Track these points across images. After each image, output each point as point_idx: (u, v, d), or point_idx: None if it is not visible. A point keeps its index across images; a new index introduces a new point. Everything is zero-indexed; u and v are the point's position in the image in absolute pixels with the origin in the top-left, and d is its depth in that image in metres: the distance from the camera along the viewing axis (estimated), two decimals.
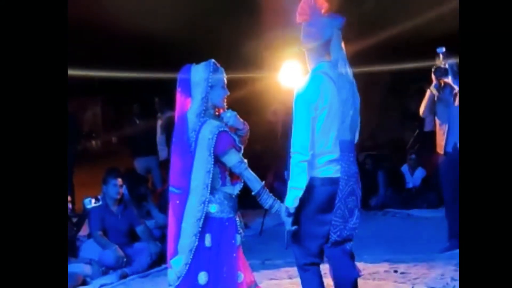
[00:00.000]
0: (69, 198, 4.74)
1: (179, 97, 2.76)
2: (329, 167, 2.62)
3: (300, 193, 2.58)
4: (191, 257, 2.67)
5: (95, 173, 6.00)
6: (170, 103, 7.43)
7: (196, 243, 2.66)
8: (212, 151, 2.64)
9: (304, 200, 2.62)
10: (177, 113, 2.77)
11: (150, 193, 5.59)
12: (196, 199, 2.66)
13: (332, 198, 2.62)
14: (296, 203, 2.59)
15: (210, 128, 2.65)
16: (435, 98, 4.70)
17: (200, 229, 2.66)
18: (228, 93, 2.76)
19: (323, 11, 2.68)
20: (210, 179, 2.66)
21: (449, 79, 4.52)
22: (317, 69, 2.69)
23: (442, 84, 4.63)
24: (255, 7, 7.01)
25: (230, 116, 2.75)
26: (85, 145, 14.55)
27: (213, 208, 2.70)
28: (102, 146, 18.41)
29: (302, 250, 2.73)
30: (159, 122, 7.35)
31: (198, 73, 2.70)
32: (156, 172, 7.22)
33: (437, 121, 4.81)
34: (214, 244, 2.68)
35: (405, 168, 7.30)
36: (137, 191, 5.28)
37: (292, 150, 2.60)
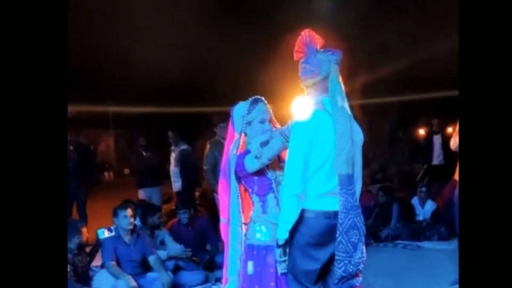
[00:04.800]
0: (84, 229, 4.82)
1: (228, 132, 2.90)
2: (324, 200, 2.55)
3: (290, 227, 2.53)
4: (240, 280, 2.77)
5: (108, 203, 6.09)
6: (183, 136, 7.60)
7: (242, 266, 2.77)
8: (233, 172, 2.75)
9: (297, 233, 2.57)
10: (225, 148, 2.90)
11: (163, 222, 5.66)
12: (235, 224, 2.79)
13: (326, 233, 2.55)
14: (286, 235, 2.55)
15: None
16: None
17: (243, 254, 2.77)
18: (268, 128, 2.77)
19: (318, 47, 2.63)
20: (240, 203, 2.78)
21: None
22: (316, 105, 2.63)
23: None
24: (272, 38, 7.11)
25: (252, 146, 2.78)
26: (99, 176, 14.70)
27: (254, 236, 2.78)
28: (115, 177, 18.58)
29: (297, 285, 2.64)
30: (173, 155, 7.47)
31: (238, 111, 2.82)
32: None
33: None
34: (256, 271, 2.74)
35: (415, 200, 7.31)
36: (151, 220, 5.36)
37: (283, 182, 2.57)
